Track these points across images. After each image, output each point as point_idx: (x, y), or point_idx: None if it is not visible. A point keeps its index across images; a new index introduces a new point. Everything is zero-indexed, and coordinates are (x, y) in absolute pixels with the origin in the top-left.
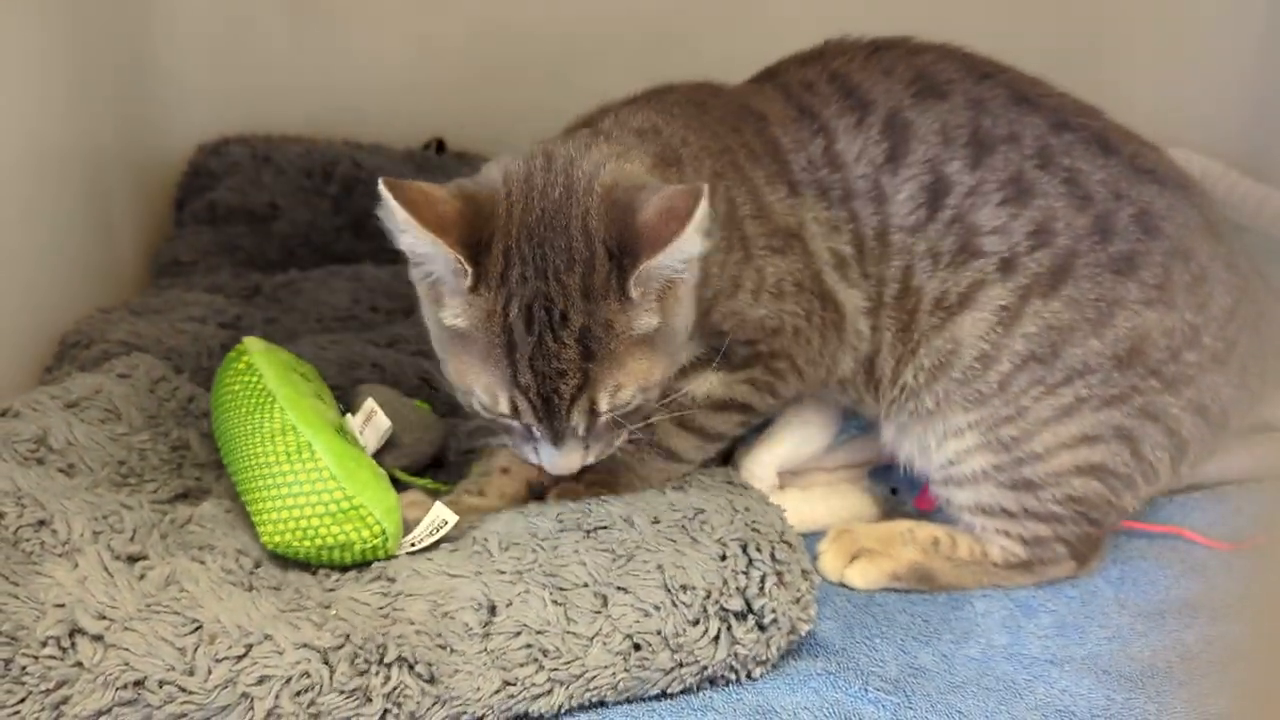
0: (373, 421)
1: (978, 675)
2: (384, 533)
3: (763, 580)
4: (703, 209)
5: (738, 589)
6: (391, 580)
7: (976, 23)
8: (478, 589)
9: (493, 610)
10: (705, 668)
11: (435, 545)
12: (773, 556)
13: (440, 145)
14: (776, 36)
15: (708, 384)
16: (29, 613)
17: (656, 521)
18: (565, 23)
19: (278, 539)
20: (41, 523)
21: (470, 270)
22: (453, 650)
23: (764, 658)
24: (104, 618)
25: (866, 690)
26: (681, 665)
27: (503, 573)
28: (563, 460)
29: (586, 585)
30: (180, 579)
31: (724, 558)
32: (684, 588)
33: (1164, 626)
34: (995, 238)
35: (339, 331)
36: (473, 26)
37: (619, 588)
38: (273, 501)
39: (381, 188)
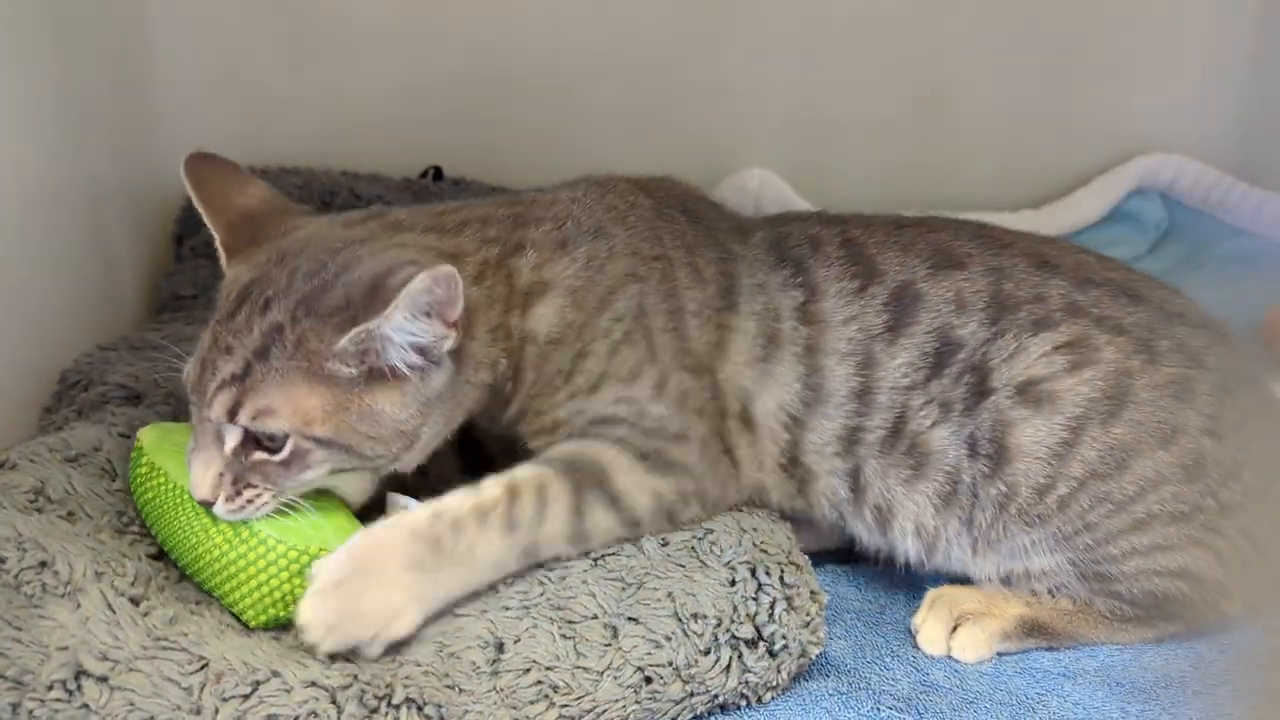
0: None
1: (990, 690)
2: None
3: (772, 605)
4: (416, 285)
5: (748, 615)
6: None
7: (972, 31)
8: (484, 627)
9: (500, 648)
10: (716, 696)
11: None
12: (781, 580)
13: (438, 173)
14: (764, 63)
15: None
16: (33, 656)
17: (665, 544)
18: (559, 51)
19: (263, 617)
20: (43, 564)
21: (221, 247)
22: (461, 690)
23: (775, 683)
24: (108, 659)
25: (879, 710)
26: (693, 695)
27: (509, 608)
28: (196, 473)
29: (596, 617)
30: (183, 620)
31: (733, 583)
32: (695, 616)
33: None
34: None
35: None
36: (467, 56)
37: (629, 618)
38: (240, 589)
39: (185, 161)
